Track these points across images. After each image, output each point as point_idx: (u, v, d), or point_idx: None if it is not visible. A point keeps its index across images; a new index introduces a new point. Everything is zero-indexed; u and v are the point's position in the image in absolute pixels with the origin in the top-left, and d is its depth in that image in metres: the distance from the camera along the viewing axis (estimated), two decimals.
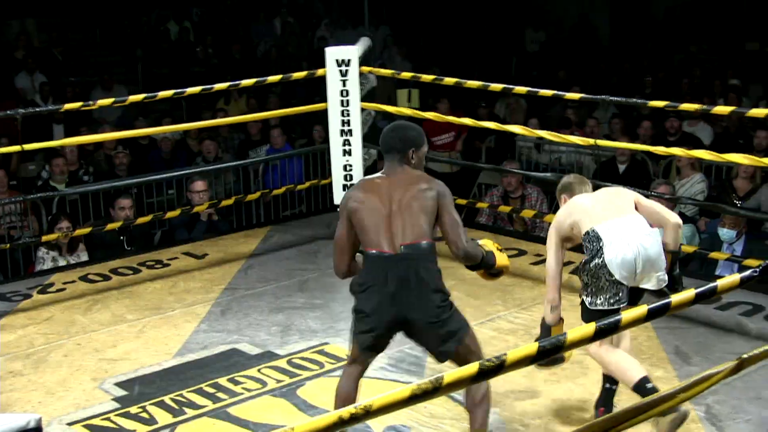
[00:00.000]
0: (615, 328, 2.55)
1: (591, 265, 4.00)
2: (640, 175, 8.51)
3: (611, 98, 6.33)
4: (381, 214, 3.75)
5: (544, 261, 6.41)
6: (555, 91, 6.45)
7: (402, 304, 3.67)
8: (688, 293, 2.66)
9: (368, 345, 3.78)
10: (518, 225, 7.99)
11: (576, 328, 2.49)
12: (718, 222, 6.83)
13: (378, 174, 4.00)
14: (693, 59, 14.62)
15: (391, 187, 3.82)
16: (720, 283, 2.71)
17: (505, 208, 7.46)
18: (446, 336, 3.69)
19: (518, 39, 16.30)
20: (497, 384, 2.55)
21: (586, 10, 17.27)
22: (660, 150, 6.25)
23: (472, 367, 2.29)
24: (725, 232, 6.66)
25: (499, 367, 2.33)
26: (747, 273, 2.77)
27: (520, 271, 6.30)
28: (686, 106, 6.14)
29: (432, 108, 8.92)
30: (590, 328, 2.50)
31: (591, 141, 6.63)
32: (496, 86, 6.58)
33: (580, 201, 4.20)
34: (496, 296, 5.85)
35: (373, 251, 3.71)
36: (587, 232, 4.04)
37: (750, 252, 6.46)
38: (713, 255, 6.19)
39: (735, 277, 2.76)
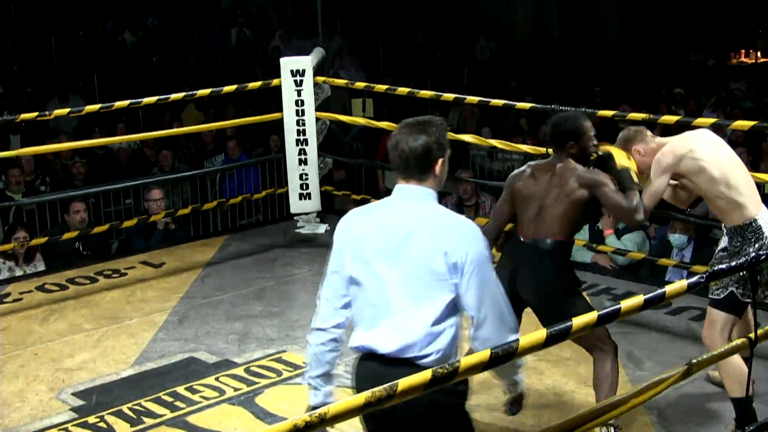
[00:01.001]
0: (566, 334, 2.63)
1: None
2: None
3: (561, 108, 6.44)
4: (537, 203, 4.01)
5: None
6: (506, 101, 6.56)
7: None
8: (638, 299, 2.75)
9: None
10: None
11: (527, 334, 2.56)
12: (668, 228, 6.98)
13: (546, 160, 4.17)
14: (640, 69, 14.87)
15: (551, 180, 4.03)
16: (668, 289, 2.80)
17: None
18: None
19: (470, 48, 16.44)
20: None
21: (537, 20, 17.49)
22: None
23: (425, 375, 2.35)
24: (677, 238, 6.79)
25: (453, 373, 2.39)
26: (694, 279, 2.86)
27: None
28: (633, 116, 6.28)
29: (387, 117, 9.00)
30: (541, 334, 2.57)
31: (542, 150, 6.73)
32: (449, 96, 6.68)
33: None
34: None
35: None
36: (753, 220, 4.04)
37: (699, 258, 6.60)
38: (662, 261, 6.33)
39: (683, 283, 2.84)
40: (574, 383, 4.75)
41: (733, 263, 2.93)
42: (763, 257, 2.98)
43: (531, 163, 4.20)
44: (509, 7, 17.72)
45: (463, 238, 2.81)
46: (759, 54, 16.74)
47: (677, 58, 15.93)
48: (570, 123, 4.08)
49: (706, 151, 4.12)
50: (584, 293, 6.03)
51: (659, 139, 4.33)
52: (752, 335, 3.01)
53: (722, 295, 4.07)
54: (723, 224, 4.19)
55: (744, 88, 13.08)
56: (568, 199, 3.97)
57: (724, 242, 4.17)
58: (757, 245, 4.00)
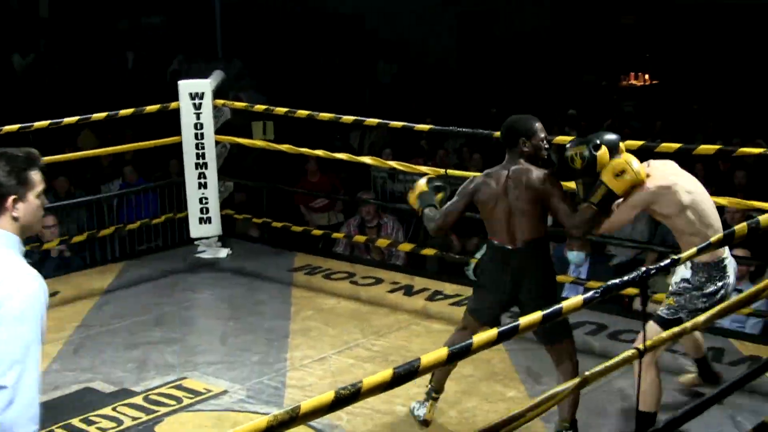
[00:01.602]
0: (467, 352, 2.65)
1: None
2: None
3: (459, 129, 6.54)
4: (501, 208, 4.14)
5: (400, 289, 6.60)
6: (405, 123, 6.61)
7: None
8: (536, 315, 2.80)
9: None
10: (375, 253, 8.12)
11: (429, 353, 2.58)
12: (565, 246, 7.12)
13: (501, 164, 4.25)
14: (537, 90, 15.21)
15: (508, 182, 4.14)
16: (564, 305, 2.86)
17: (361, 238, 7.57)
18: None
19: (371, 71, 16.58)
20: (353, 408, 2.60)
21: (437, 43, 17.76)
22: None
23: (327, 397, 2.34)
24: (574, 255, 6.94)
25: (355, 394, 2.39)
26: (589, 294, 2.93)
27: (377, 299, 6.41)
28: None
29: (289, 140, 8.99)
30: (443, 352, 2.59)
31: (441, 171, 6.81)
32: (348, 118, 6.71)
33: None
34: (353, 324, 5.93)
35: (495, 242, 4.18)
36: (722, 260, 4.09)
37: (595, 274, 6.76)
38: (560, 278, 6.43)
39: (578, 299, 2.91)
40: (477, 400, 4.79)
41: (625, 277, 3.01)
42: (653, 271, 3.07)
43: (487, 171, 4.30)
44: (411, 31, 17.94)
45: (6, 288, 2.40)
46: (647, 76, 17.30)
47: (571, 80, 16.37)
48: (522, 122, 4.23)
49: (687, 189, 4.10)
50: None
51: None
52: (641, 346, 3.08)
53: (670, 317, 4.10)
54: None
55: (633, 109, 13.48)
56: (527, 199, 4.10)
57: (685, 274, 4.15)
58: (720, 284, 4.08)
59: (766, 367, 3.83)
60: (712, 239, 3.29)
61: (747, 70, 15.63)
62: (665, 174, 4.11)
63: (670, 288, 4.22)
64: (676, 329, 3.41)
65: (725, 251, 4.11)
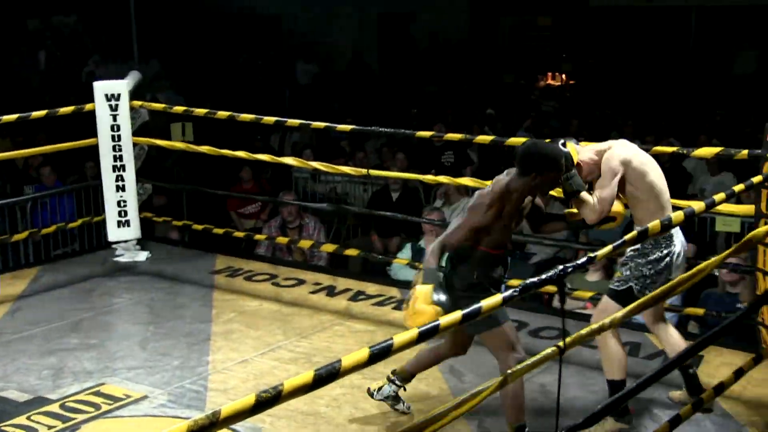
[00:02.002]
0: (388, 352, 2.64)
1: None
2: (412, 203, 8.82)
3: (381, 129, 6.55)
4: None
5: (322, 290, 6.58)
6: (327, 123, 6.59)
7: None
8: (456, 315, 2.81)
9: None
10: (297, 255, 8.08)
11: (350, 354, 2.56)
12: None
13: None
14: (454, 90, 15.35)
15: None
16: (484, 304, 2.87)
17: (283, 239, 7.53)
18: None
19: (290, 72, 16.51)
20: (276, 410, 2.57)
21: (356, 44, 17.79)
22: (428, 179, 6.53)
23: (248, 400, 2.31)
24: None
25: (276, 397, 2.37)
26: (508, 293, 2.95)
27: (299, 300, 6.38)
28: (450, 136, 6.46)
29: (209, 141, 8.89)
30: (364, 353, 2.57)
31: (363, 171, 6.82)
32: (269, 119, 6.66)
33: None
34: (276, 326, 5.89)
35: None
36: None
37: (514, 273, 6.82)
38: None
39: (497, 298, 2.92)
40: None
41: (543, 276, 3.04)
42: (570, 269, 3.10)
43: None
44: (329, 32, 17.93)
45: None
46: (564, 77, 17.59)
47: (490, 80, 16.56)
48: (543, 155, 4.05)
49: (643, 156, 4.31)
50: None
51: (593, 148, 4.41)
52: (561, 343, 3.12)
53: (621, 288, 4.27)
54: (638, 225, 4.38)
55: (552, 109, 13.68)
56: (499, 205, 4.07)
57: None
58: (665, 251, 4.23)
59: (681, 360, 3.92)
60: (650, 225, 3.37)
61: (659, 70, 16.01)
62: (624, 147, 4.30)
63: (621, 260, 4.40)
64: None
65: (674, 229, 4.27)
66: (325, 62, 17.54)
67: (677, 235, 4.32)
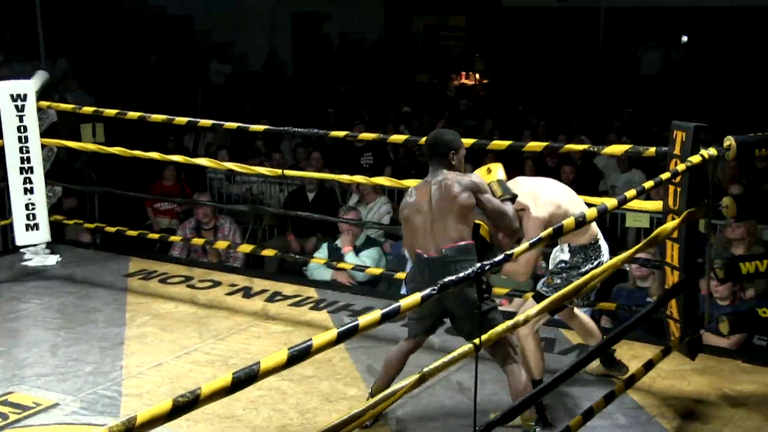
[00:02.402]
0: (307, 353, 2.63)
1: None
2: (329, 203, 8.81)
3: (295, 129, 6.52)
4: (424, 218, 4.09)
5: (239, 291, 6.52)
6: (240, 123, 6.54)
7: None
8: (375, 314, 2.80)
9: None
10: (212, 256, 8.00)
11: (269, 357, 2.54)
12: (403, 244, 7.21)
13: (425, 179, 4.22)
14: (369, 91, 15.39)
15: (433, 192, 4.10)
16: (403, 302, 2.87)
17: (198, 241, 7.44)
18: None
19: (203, 72, 16.34)
20: (193, 414, 2.52)
21: (270, 44, 17.71)
22: (344, 178, 6.52)
23: (165, 405, 2.28)
24: None
25: (194, 401, 2.34)
26: (427, 291, 2.95)
27: (215, 302, 6.31)
28: (364, 136, 6.47)
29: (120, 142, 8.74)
30: (283, 355, 2.56)
31: (278, 171, 6.79)
32: (181, 120, 6.57)
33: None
34: (192, 329, 5.81)
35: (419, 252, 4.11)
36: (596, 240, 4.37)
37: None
38: (399, 275, 6.51)
39: (416, 297, 2.93)
40: (318, 400, 4.78)
41: (462, 274, 3.06)
42: (487, 267, 3.13)
43: (411, 188, 4.30)
44: (242, 32, 17.80)
45: None
46: (478, 76, 17.79)
47: (404, 80, 16.65)
48: (451, 135, 4.28)
49: (562, 196, 4.39)
50: (325, 311, 6.16)
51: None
52: (477, 341, 3.15)
53: (547, 295, 4.30)
54: (567, 243, 4.47)
55: (466, 108, 13.81)
56: (456, 205, 4.05)
57: (564, 256, 4.49)
58: (596, 262, 4.38)
59: (594, 355, 4.00)
60: (542, 234, 3.41)
61: (570, 70, 16.31)
62: (547, 199, 4.34)
63: (550, 268, 4.51)
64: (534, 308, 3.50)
65: (599, 232, 4.43)
66: (238, 62, 17.41)
67: (604, 245, 4.47)
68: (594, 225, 4.39)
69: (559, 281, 4.38)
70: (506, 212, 4.11)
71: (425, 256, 4.11)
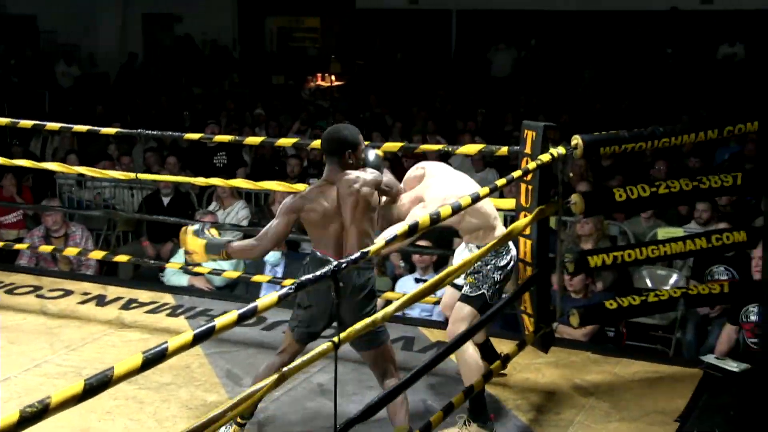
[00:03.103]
0: (162, 357, 2.55)
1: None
2: (184, 206, 8.66)
3: (147, 132, 6.39)
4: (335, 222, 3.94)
5: (92, 300, 6.33)
6: (90, 127, 6.34)
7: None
8: (231, 315, 2.73)
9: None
10: (63, 264, 7.72)
11: (122, 361, 2.47)
12: None
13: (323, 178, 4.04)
14: (226, 93, 15.23)
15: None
16: (260, 303, 2.83)
17: (46, 248, 7.17)
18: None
19: (50, 74, 15.79)
20: (46, 427, 2.41)
21: (120, 46, 17.31)
22: (200, 181, 6.43)
23: (11, 417, 2.18)
24: (270, 255, 6.97)
25: (43, 411, 2.25)
26: (283, 291, 2.92)
27: (66, 311, 6.11)
28: (219, 138, 6.41)
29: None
30: (137, 359, 2.48)
31: (132, 175, 6.62)
32: (26, 123, 6.33)
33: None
34: (43, 340, 5.60)
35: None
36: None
37: (290, 273, 6.85)
38: (256, 278, 6.47)
39: (273, 296, 2.88)
40: (177, 407, 4.69)
41: (318, 272, 3.06)
42: (344, 265, 3.14)
43: (311, 187, 4.10)
44: (90, 33, 17.31)
45: None
46: (333, 78, 17.85)
47: (259, 81, 16.55)
48: (347, 131, 4.07)
49: (460, 190, 4.25)
50: (182, 317, 6.05)
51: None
52: (336, 338, 3.15)
53: (473, 294, 4.34)
54: (475, 244, 4.43)
55: (322, 110, 13.82)
56: (364, 209, 3.95)
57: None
58: (508, 257, 4.40)
59: (450, 350, 4.06)
60: (420, 220, 3.43)
61: (424, 71, 16.55)
62: (440, 187, 4.32)
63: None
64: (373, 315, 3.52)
65: (502, 228, 4.44)
66: (87, 64, 16.92)
67: (512, 248, 4.51)
68: (498, 223, 4.44)
69: (479, 280, 4.36)
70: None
71: (331, 259, 3.90)
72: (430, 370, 3.85)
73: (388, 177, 4.31)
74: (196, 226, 4.22)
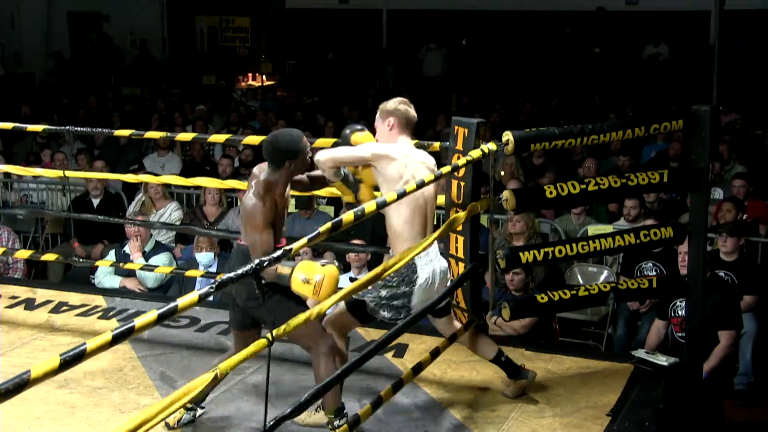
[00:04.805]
0: (81, 356, 2.48)
1: None
2: (115, 208, 8.54)
3: (76, 129, 6.30)
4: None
5: (20, 303, 6.20)
6: (16, 124, 6.21)
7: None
8: (151, 315, 2.65)
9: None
10: None
11: (40, 363, 2.41)
12: (193, 248, 7.10)
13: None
14: (157, 93, 15.04)
15: None
16: (180, 302, 2.76)
17: None
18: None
19: None
20: None
21: (45, 45, 17.02)
22: (130, 178, 6.35)
23: None
24: (203, 256, 6.92)
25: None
26: (204, 290, 2.85)
27: None
28: (151, 134, 6.34)
29: None
30: (55, 361, 2.42)
31: (59, 172, 6.51)
32: None
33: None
34: None
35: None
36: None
37: (223, 271, 6.80)
38: (189, 273, 6.36)
39: (194, 295, 2.79)
40: (110, 411, 4.63)
41: (240, 270, 3.02)
42: (266, 262, 3.09)
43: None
44: (14, 31, 16.95)
45: None
46: (264, 77, 17.78)
47: (190, 81, 16.41)
48: (286, 142, 4.03)
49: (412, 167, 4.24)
50: (114, 320, 5.96)
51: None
52: (269, 335, 3.14)
53: (356, 298, 4.24)
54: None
55: (254, 109, 13.72)
56: (245, 207, 4.00)
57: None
58: (406, 289, 4.21)
59: (378, 348, 4.07)
60: (343, 217, 3.40)
61: (355, 71, 16.58)
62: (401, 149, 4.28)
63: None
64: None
65: (411, 243, 4.19)
66: (11, 63, 16.57)
67: (428, 263, 4.26)
68: (410, 235, 4.22)
69: (370, 288, 4.21)
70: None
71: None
72: (359, 366, 3.88)
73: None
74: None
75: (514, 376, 4.73)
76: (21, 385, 2.28)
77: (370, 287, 4.18)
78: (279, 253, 3.14)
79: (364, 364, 4.05)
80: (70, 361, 2.41)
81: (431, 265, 4.30)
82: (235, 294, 4.14)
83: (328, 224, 3.35)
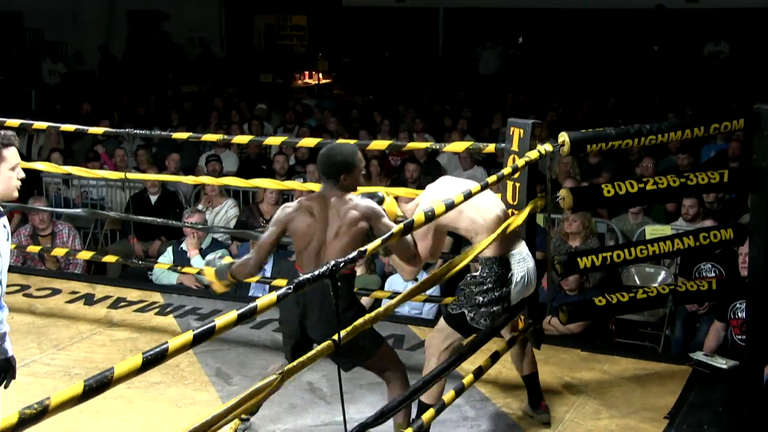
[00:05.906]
0: (163, 357, 2.51)
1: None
2: (172, 205, 8.64)
3: (136, 131, 6.37)
4: (317, 239, 3.91)
5: (80, 299, 6.31)
6: (78, 126, 6.32)
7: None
8: (231, 315, 2.69)
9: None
10: (50, 263, 7.69)
11: (123, 362, 2.43)
12: (249, 245, 7.15)
13: (317, 194, 4.03)
14: (215, 91, 15.18)
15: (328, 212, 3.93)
16: (259, 302, 2.79)
17: (34, 248, 7.14)
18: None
19: (36, 71, 15.72)
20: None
21: (108, 43, 17.24)
22: (189, 179, 6.42)
23: (10, 419, 2.16)
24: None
25: (42, 412, 2.23)
26: (282, 290, 2.88)
27: (55, 310, 6.09)
28: (208, 137, 6.39)
29: None
30: (137, 360, 2.44)
31: (121, 174, 6.61)
32: (13, 122, 6.30)
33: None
34: (30, 339, 5.58)
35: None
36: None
37: (278, 272, 6.84)
38: (248, 279, 6.42)
39: (272, 296, 2.83)
40: (166, 405, 4.69)
41: (316, 272, 3.04)
42: (342, 264, 3.10)
43: (302, 198, 4.05)
44: (76, 30, 17.22)
45: None
46: (320, 76, 17.86)
47: (248, 79, 16.53)
48: (342, 156, 3.97)
49: (456, 191, 4.07)
50: (171, 316, 6.04)
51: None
52: (336, 336, 3.13)
53: (454, 312, 4.20)
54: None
55: (311, 107, 13.79)
56: (349, 232, 3.88)
57: (477, 270, 4.27)
58: (504, 290, 4.17)
59: (466, 355, 4.05)
60: (394, 230, 3.39)
61: (412, 69, 16.57)
62: (436, 192, 4.26)
63: (460, 284, 4.35)
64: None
65: (515, 245, 4.20)
66: (73, 62, 16.85)
67: (521, 259, 4.23)
68: (486, 233, 4.15)
69: (462, 298, 4.20)
70: (408, 242, 4.03)
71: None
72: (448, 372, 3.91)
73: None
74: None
75: (534, 406, 4.62)
76: (105, 383, 2.31)
77: (461, 298, 4.18)
78: (354, 254, 3.15)
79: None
80: (152, 360, 2.44)
81: (525, 263, 4.24)
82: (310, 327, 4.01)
83: (401, 225, 3.37)
